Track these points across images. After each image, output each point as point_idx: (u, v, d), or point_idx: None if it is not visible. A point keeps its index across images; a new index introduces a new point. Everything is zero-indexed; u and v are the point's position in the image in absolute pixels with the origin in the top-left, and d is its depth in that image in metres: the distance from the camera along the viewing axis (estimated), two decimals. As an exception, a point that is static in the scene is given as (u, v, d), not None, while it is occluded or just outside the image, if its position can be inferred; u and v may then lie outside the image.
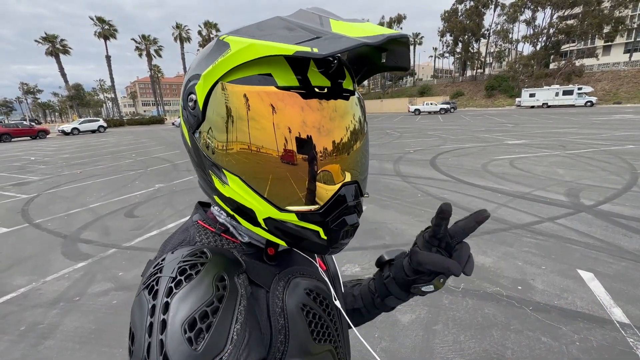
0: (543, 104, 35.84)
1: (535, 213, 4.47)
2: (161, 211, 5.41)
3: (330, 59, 0.43)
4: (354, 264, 3.31)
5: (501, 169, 7.16)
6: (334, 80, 0.44)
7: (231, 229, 0.51)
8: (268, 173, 0.42)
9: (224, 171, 0.44)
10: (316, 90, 0.42)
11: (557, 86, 36.15)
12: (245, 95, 0.41)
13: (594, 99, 33.55)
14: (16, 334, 2.55)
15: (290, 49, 0.36)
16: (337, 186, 0.44)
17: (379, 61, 0.47)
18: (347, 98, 0.45)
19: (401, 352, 2.17)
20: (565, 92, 34.48)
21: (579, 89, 34.02)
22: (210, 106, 0.43)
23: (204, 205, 0.58)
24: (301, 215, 0.43)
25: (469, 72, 60.95)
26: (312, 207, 0.43)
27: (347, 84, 0.46)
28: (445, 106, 35.69)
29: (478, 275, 3.01)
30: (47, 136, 28.88)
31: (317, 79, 0.42)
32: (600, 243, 3.53)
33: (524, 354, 2.10)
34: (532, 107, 36.73)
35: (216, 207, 0.53)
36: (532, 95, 37.01)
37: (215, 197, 0.49)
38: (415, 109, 36.70)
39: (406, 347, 2.21)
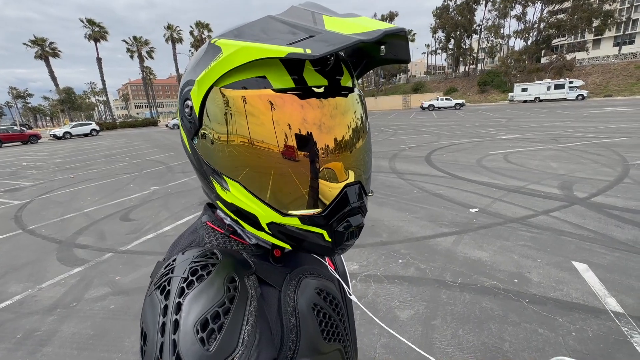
0: (535, 98, 36.12)
1: (530, 206, 4.51)
2: (157, 214, 5.37)
3: (327, 56, 0.43)
4: (351, 261, 3.32)
5: (495, 164, 7.22)
6: (332, 78, 0.42)
7: (239, 230, 0.51)
8: (268, 178, 0.42)
9: (224, 177, 0.44)
10: (313, 90, 0.41)
11: (549, 80, 36.44)
12: (240, 100, 0.40)
13: (585, 92, 33.87)
14: (13, 342, 2.52)
15: (282, 50, 0.35)
16: (340, 187, 0.43)
17: (377, 54, 0.46)
18: (345, 95, 0.44)
19: (401, 348, 2.18)
20: (557, 86, 34.78)
21: (570, 82, 34.32)
22: (206, 112, 0.42)
23: (212, 207, 0.58)
24: (304, 219, 0.43)
25: (461, 68, 61.22)
26: (315, 211, 0.43)
27: (346, 80, 0.45)
28: (460, 101, 35.46)
29: (475, 270, 3.04)
30: (39, 141, 28.48)
31: (314, 79, 0.41)
32: (593, 234, 3.58)
33: (521, 346, 2.12)
34: (525, 101, 37.02)
35: (222, 210, 0.53)
36: (524, 89, 37.28)
37: (218, 203, 0.48)
38: (430, 105, 36.34)
39: (406, 343, 2.22)
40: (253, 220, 0.45)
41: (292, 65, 0.40)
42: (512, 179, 5.92)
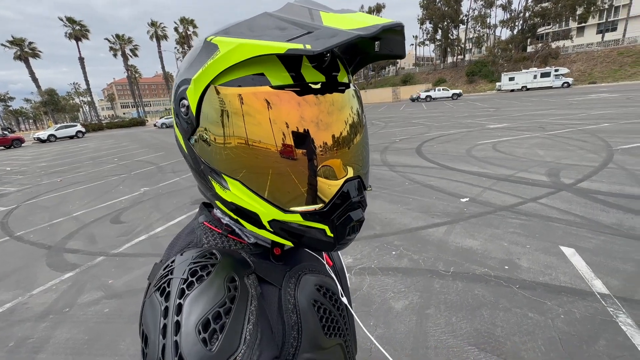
0: (522, 87, 36.57)
1: (518, 194, 4.60)
2: (148, 215, 5.31)
3: (324, 52, 0.43)
4: (346, 255, 3.35)
5: (484, 153, 7.32)
6: (329, 74, 0.43)
7: (237, 230, 0.51)
8: (269, 175, 0.42)
9: (224, 176, 0.44)
10: (311, 86, 0.41)
11: (535, 69, 36.89)
12: (239, 98, 0.40)
13: (570, 80, 34.44)
14: (5, 350, 2.48)
15: (281, 47, 0.35)
16: (340, 182, 0.44)
17: (372, 50, 0.46)
18: (342, 91, 0.44)
19: (396, 338, 2.22)
20: (543, 75, 35.26)
21: (556, 70, 34.83)
22: (204, 111, 0.42)
23: (208, 206, 0.58)
24: (306, 215, 0.43)
25: (449, 59, 61.49)
26: (317, 207, 0.43)
27: (342, 76, 0.45)
28: (457, 91, 35.49)
29: (467, 258, 3.10)
30: (22, 145, 27.77)
31: (312, 75, 0.41)
32: (580, 219, 3.67)
33: (512, 330, 2.18)
34: (512, 90, 37.44)
35: (219, 210, 0.53)
36: (511, 79, 37.69)
37: (217, 202, 0.48)
38: (427, 96, 36.18)
39: (401, 333, 2.26)
40: (254, 219, 0.45)
41: (290, 61, 0.40)
42: (501, 168, 6.01)
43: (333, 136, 0.42)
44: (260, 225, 0.45)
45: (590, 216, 3.73)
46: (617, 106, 14.01)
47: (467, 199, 4.59)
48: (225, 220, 0.52)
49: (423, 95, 36.44)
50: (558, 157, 6.42)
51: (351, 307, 0.58)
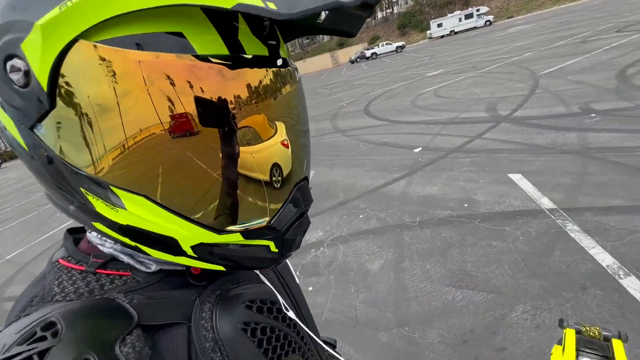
0: (450, 31, 37.99)
1: (464, 134, 4.82)
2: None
3: (265, 18, 0.30)
4: (316, 230, 3.30)
5: (428, 102, 7.54)
6: (270, 47, 0.32)
7: (122, 256, 0.35)
8: (199, 186, 0.30)
9: (114, 189, 0.28)
10: (250, 60, 0.29)
11: (459, 12, 38.35)
12: (140, 68, 0.25)
13: (491, 17, 36.39)
14: None
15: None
16: (290, 188, 0.36)
17: (313, 22, 0.34)
18: (285, 67, 0.33)
19: (378, 298, 2.25)
20: (467, 16, 36.83)
21: (477, 10, 36.52)
22: (70, 83, 0.25)
23: (78, 231, 0.42)
24: (247, 233, 0.33)
25: (379, 15, 61.54)
26: (262, 221, 0.34)
27: (282, 50, 0.34)
28: (400, 44, 35.80)
29: (430, 205, 3.20)
30: None
31: (252, 46, 0.30)
32: (521, 146, 3.95)
33: (481, 262, 2.31)
34: (442, 36, 38.78)
35: (95, 233, 0.37)
36: (439, 25, 38.91)
37: (98, 225, 0.32)
38: (372, 53, 36.13)
39: (382, 292, 2.30)
40: (168, 244, 0.32)
41: (221, 23, 0.28)
42: (445, 112, 6.24)
43: (284, 130, 0.34)
44: (178, 252, 0.32)
45: (529, 141, 4.02)
46: (534, 35, 15.10)
47: (420, 149, 4.72)
48: (108, 247, 0.36)
49: (368, 53, 36.45)
50: (492, 92, 6.80)
51: (300, 311, 0.47)
